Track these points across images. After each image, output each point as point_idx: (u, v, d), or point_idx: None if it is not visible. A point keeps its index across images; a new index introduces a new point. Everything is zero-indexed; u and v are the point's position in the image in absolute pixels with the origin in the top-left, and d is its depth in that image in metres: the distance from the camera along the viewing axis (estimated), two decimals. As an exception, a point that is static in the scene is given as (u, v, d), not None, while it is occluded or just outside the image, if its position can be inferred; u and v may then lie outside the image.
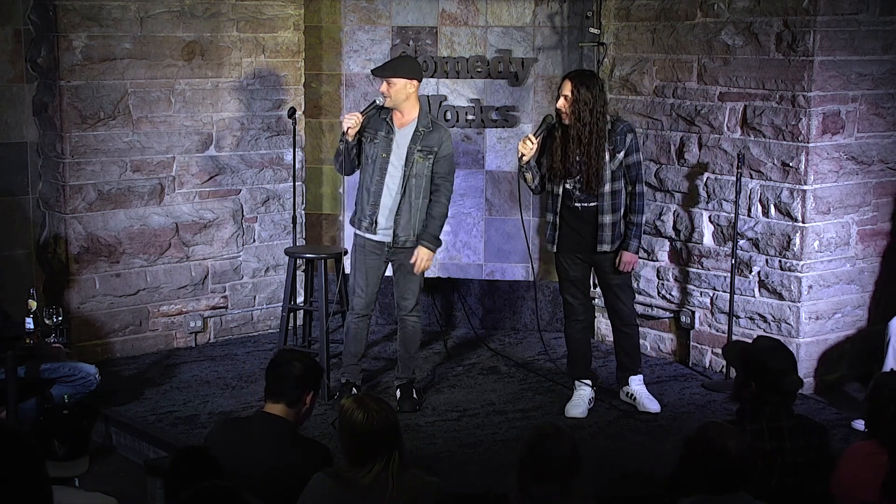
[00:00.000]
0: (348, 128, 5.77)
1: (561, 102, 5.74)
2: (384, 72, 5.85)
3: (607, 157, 5.75)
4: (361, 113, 5.84)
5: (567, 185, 5.83)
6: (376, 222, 5.87)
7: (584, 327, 6.13)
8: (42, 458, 2.60)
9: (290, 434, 4.01)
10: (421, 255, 5.88)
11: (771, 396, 4.00)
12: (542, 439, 3.51)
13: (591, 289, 6.34)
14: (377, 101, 5.87)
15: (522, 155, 5.81)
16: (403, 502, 3.56)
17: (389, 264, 6.03)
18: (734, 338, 6.44)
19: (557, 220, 5.90)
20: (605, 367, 6.63)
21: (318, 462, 3.81)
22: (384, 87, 5.81)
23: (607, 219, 5.80)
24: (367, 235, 5.92)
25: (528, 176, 5.91)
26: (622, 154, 5.77)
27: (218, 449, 4.00)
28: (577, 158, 5.74)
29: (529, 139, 5.80)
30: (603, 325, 7.17)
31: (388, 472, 3.54)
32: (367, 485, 3.54)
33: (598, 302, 6.76)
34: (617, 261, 5.86)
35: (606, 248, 5.83)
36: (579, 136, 5.69)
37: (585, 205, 5.82)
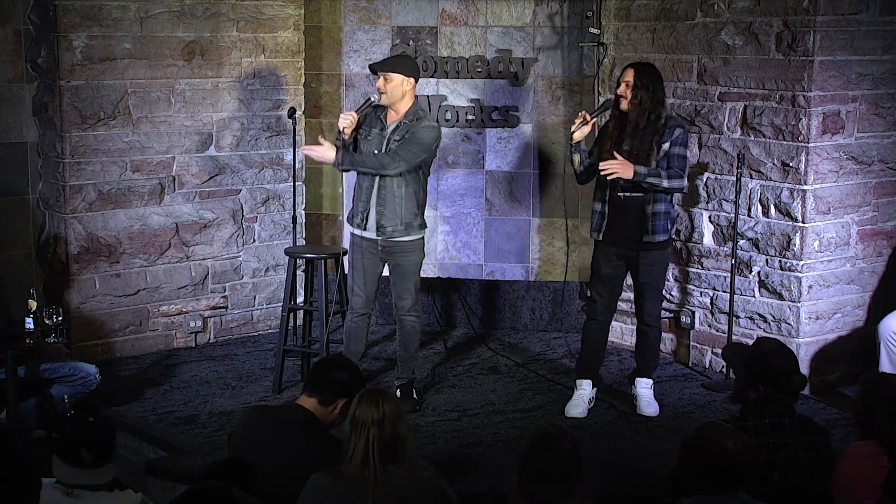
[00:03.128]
0: (344, 127, 5.80)
1: (622, 88, 5.73)
2: (383, 66, 5.85)
3: (656, 149, 5.71)
4: (357, 111, 5.87)
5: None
6: (367, 219, 5.88)
7: (601, 328, 6.07)
8: (29, 459, 2.60)
9: (309, 426, 4.07)
10: (322, 146, 5.82)
11: (779, 396, 4.03)
12: (545, 439, 3.51)
13: (621, 293, 6.21)
14: (372, 99, 5.88)
15: (573, 133, 5.79)
16: (399, 496, 3.56)
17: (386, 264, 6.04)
18: (734, 338, 6.44)
19: (605, 209, 5.85)
20: (604, 367, 6.62)
21: (331, 457, 3.81)
22: (381, 82, 5.82)
23: (650, 209, 5.75)
24: (361, 233, 5.93)
25: (577, 158, 5.88)
26: (667, 144, 5.73)
27: (244, 434, 4.13)
28: (628, 147, 5.71)
29: (583, 116, 5.79)
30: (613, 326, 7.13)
31: (370, 455, 3.56)
32: (359, 476, 3.55)
33: (622, 306, 6.70)
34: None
35: (653, 238, 5.76)
36: (637, 121, 5.68)
37: (629, 194, 5.75)
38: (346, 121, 5.81)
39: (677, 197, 6.81)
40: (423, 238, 6.01)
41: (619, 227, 5.82)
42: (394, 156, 5.76)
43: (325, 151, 5.85)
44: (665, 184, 5.69)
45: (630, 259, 5.87)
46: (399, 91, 5.81)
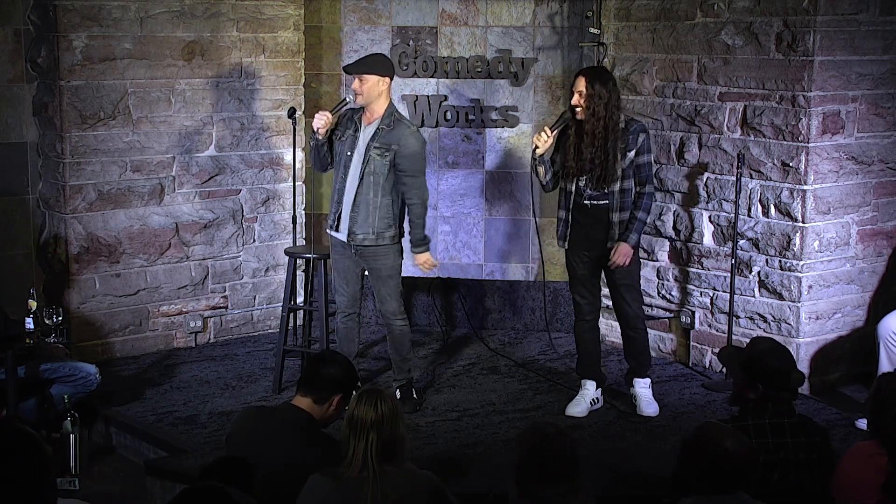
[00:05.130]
0: (318, 127, 5.79)
1: (575, 98, 5.72)
2: (357, 68, 5.81)
3: (619, 155, 5.73)
4: (332, 112, 5.86)
5: (579, 183, 5.81)
6: (339, 220, 5.88)
7: (592, 327, 6.08)
8: (48, 459, 2.59)
9: (308, 428, 4.07)
10: (420, 261, 5.96)
11: (779, 395, 4.03)
12: (544, 440, 3.52)
13: (601, 289, 6.25)
14: (347, 100, 5.88)
15: (536, 147, 5.79)
16: (398, 495, 3.56)
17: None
18: (734, 338, 6.44)
19: (569, 217, 5.87)
20: (604, 367, 6.61)
21: (330, 458, 3.81)
22: (356, 84, 5.79)
23: (616, 217, 5.77)
24: (333, 234, 5.94)
25: (541, 170, 5.88)
26: (633, 153, 5.73)
27: (240, 435, 4.13)
28: (589, 155, 5.73)
29: (545, 132, 5.78)
30: (603, 325, 7.15)
31: (369, 458, 3.56)
32: (357, 477, 3.55)
33: (607, 302, 6.71)
34: (612, 251, 5.78)
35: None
36: (594, 131, 5.67)
37: (595, 202, 5.79)
38: (321, 121, 5.78)
39: (677, 196, 6.83)
40: (397, 243, 5.94)
41: (584, 232, 5.85)
42: (418, 192, 5.81)
43: (325, 121, 5.82)
44: (648, 218, 5.88)
45: (601, 261, 5.89)
46: (375, 91, 5.78)
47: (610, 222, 5.78)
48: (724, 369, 6.56)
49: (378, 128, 5.80)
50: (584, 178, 5.77)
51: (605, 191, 5.75)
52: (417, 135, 5.88)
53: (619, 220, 5.78)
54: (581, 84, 5.70)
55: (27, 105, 6.74)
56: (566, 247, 5.95)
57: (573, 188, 5.83)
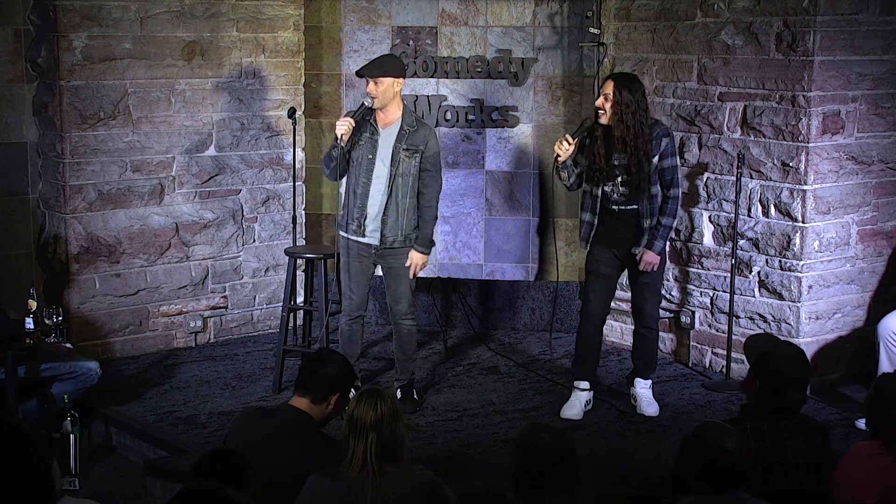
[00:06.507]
0: (342, 134, 5.76)
1: (600, 101, 5.71)
2: (372, 71, 5.80)
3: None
4: (353, 117, 5.82)
5: (605, 188, 5.80)
6: (364, 225, 5.86)
7: (597, 330, 6.06)
8: (50, 461, 2.59)
9: (308, 428, 4.07)
10: (415, 261, 5.89)
11: (773, 399, 4.01)
12: (533, 445, 3.53)
13: (614, 293, 6.20)
14: (365, 104, 5.86)
15: (558, 155, 5.79)
16: (397, 495, 3.57)
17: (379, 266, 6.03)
18: (734, 338, 6.44)
19: (595, 219, 5.85)
20: (604, 367, 6.63)
21: (330, 458, 3.81)
22: (371, 86, 5.78)
23: (647, 223, 5.76)
24: (355, 238, 5.92)
25: (564, 175, 5.87)
26: (657, 158, 5.71)
27: (239, 436, 4.12)
28: (620, 163, 5.71)
29: (566, 140, 5.76)
30: (605, 327, 7.15)
31: (368, 458, 3.56)
32: (357, 477, 3.55)
33: (614, 305, 6.71)
34: (638, 258, 5.81)
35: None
36: (624, 139, 5.65)
37: (623, 207, 5.78)
38: (344, 127, 5.76)
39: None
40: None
41: (613, 232, 5.84)
42: (436, 193, 5.88)
43: (348, 126, 5.81)
44: (674, 223, 5.83)
45: (629, 261, 5.88)
46: (390, 93, 5.79)
47: (641, 228, 5.77)
48: (723, 369, 6.57)
49: (401, 129, 5.80)
50: (611, 183, 5.76)
51: (640, 197, 5.73)
52: (436, 134, 5.95)
53: (650, 227, 5.77)
54: (609, 87, 5.69)
55: (27, 105, 6.74)
56: (586, 248, 5.93)
57: (599, 192, 5.80)
